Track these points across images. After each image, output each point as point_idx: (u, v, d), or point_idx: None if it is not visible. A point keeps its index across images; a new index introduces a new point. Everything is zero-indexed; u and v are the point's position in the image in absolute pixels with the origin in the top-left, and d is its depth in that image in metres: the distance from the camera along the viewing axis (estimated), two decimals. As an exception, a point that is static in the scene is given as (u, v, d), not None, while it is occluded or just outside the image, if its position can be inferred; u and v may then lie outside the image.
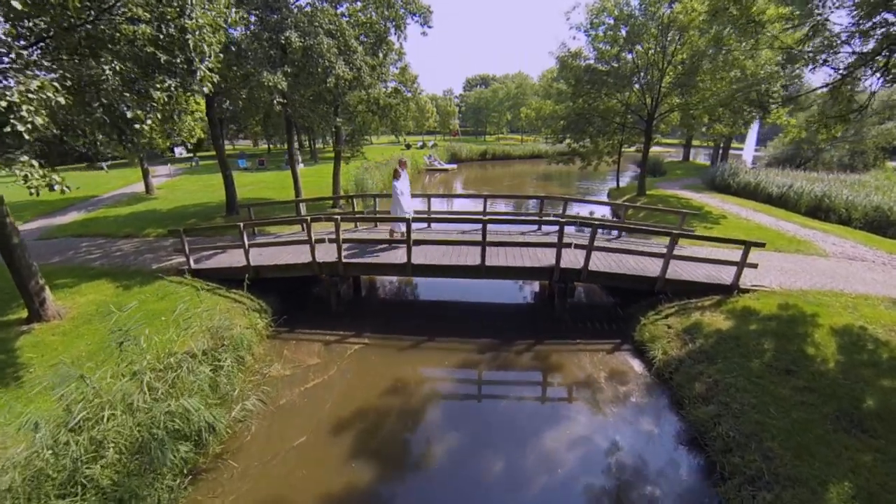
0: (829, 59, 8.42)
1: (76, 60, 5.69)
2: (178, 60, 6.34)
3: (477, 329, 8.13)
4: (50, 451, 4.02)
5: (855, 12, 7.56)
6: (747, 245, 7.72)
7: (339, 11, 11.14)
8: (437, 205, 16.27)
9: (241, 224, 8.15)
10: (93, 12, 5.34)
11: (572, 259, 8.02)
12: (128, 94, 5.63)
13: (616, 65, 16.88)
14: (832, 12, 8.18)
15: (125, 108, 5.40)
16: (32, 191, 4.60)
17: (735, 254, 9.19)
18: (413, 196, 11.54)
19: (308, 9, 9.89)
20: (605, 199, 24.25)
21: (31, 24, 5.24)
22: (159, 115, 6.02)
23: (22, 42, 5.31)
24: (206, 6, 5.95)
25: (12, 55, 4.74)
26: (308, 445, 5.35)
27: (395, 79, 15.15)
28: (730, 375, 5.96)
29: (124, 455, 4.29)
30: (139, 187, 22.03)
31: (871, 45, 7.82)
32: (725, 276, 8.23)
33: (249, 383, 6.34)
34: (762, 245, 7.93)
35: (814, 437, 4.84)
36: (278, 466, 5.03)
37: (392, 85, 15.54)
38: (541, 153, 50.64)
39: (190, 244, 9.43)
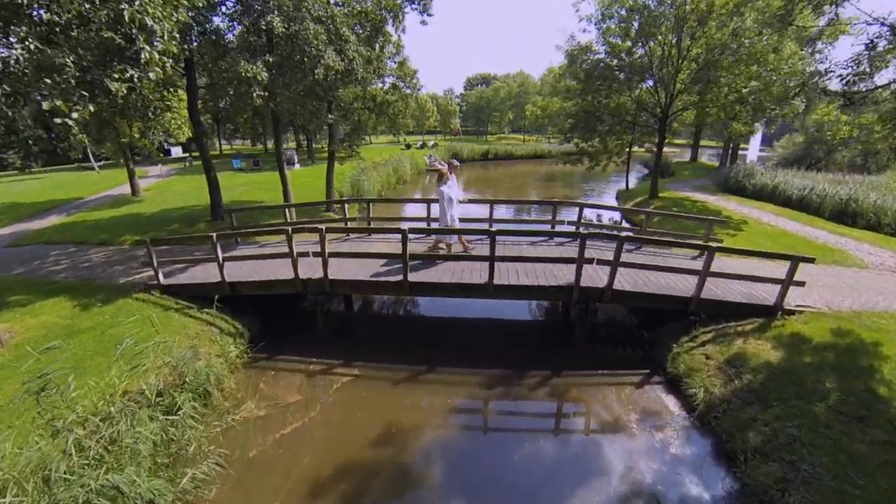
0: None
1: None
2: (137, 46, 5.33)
3: (483, 356, 7.10)
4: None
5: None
6: (795, 260, 6.69)
7: (331, -1, 10.16)
8: (437, 211, 15.35)
9: (214, 235, 7.13)
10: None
11: (593, 276, 7.00)
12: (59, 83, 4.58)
13: (628, 59, 15.83)
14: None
15: (39, 98, 4.36)
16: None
17: (774, 267, 8.19)
18: (413, 201, 10.50)
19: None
20: (612, 200, 23.28)
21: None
22: (92, 108, 4.95)
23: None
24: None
25: None
26: (279, 515, 4.35)
27: (393, 73, 14.11)
28: (791, 424, 4.94)
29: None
30: (127, 189, 21.05)
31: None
32: (766, 294, 7.21)
33: (214, 430, 5.31)
34: (811, 260, 6.89)
35: (916, 517, 3.82)
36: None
37: (390, 80, 14.51)
38: (544, 153, 49.64)
39: (161, 255, 8.43)
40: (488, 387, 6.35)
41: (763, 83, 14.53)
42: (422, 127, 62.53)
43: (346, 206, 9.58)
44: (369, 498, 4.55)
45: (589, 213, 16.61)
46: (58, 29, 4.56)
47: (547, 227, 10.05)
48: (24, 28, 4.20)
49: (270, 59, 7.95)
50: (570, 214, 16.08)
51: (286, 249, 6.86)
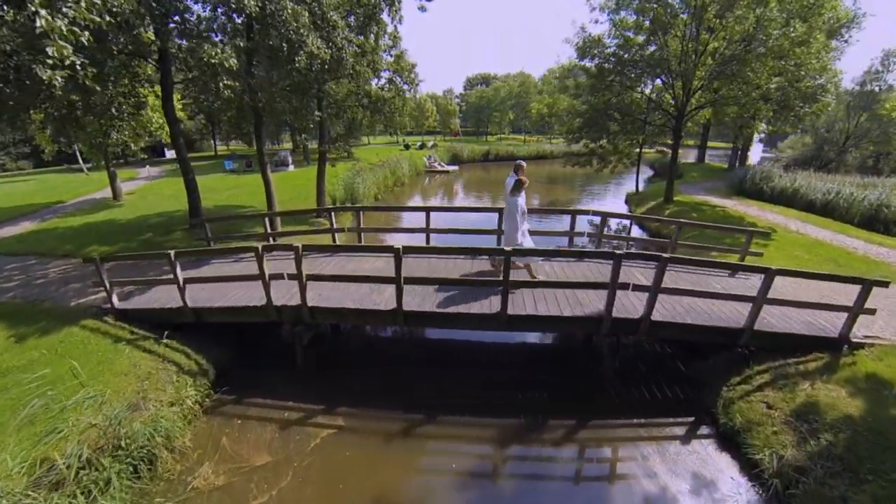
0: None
1: None
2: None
3: (494, 399, 5.95)
4: None
5: None
6: (867, 284, 5.57)
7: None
8: (438, 220, 13.85)
9: (172, 253, 5.97)
10: None
11: (626, 305, 5.85)
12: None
13: (643, 53, 14.71)
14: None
15: None
16: None
17: (825, 289, 7.05)
18: (411, 209, 9.36)
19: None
20: (621, 204, 22.12)
21: None
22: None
23: None
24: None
25: None
26: None
27: (389, 68, 12.95)
28: (898, 509, 3.80)
29: None
30: (109, 192, 19.89)
31: None
32: (826, 323, 6.07)
33: (153, 512, 4.16)
34: (885, 284, 5.75)
35: None
36: None
37: (386, 75, 13.36)
38: (546, 154, 48.57)
39: (117, 273, 7.29)
40: (500, 443, 5.19)
41: (788, 78, 13.45)
42: (421, 127, 61.37)
43: (334, 214, 8.38)
44: None
45: (591, 219, 15.40)
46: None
47: (563, 240, 8.93)
48: None
49: (241, 44, 6.80)
50: (582, 226, 14.95)
51: (256, 272, 5.70)
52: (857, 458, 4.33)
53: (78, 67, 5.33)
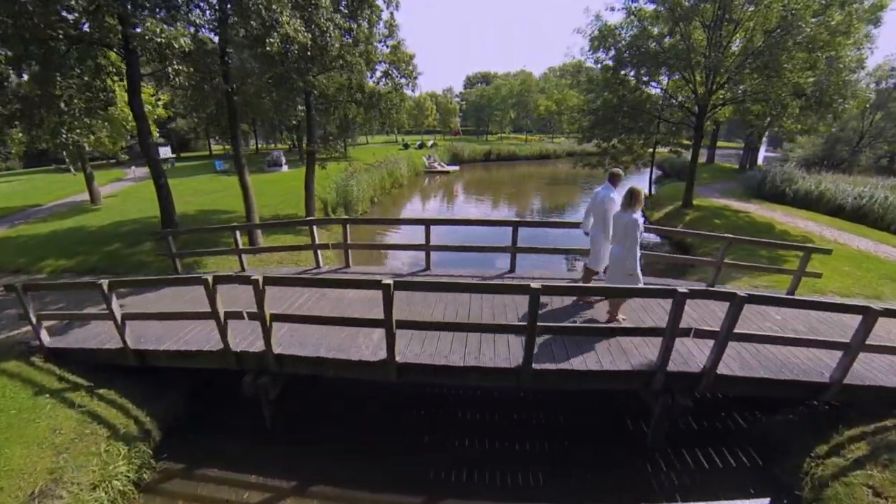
0: None
1: None
2: None
3: (508, 476, 4.65)
4: None
5: None
6: None
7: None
8: (439, 235, 11.92)
9: (105, 284, 4.71)
10: None
11: (684, 354, 4.58)
12: None
13: (661, 44, 13.45)
14: None
15: None
16: None
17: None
18: (408, 222, 8.08)
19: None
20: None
21: None
22: None
23: None
24: None
25: None
26: None
27: (385, 59, 11.69)
28: None
29: None
30: (98, 193, 18.65)
31: None
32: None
33: None
34: None
35: None
36: None
37: (382, 68, 12.09)
38: (548, 153, 47.33)
39: (52, 303, 6.04)
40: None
41: (823, 71, 12.18)
42: (420, 126, 60.09)
43: (317, 229, 7.10)
44: None
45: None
46: None
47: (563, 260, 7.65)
48: None
49: (199, 21, 5.56)
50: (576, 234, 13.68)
51: (210, 307, 4.44)
52: None
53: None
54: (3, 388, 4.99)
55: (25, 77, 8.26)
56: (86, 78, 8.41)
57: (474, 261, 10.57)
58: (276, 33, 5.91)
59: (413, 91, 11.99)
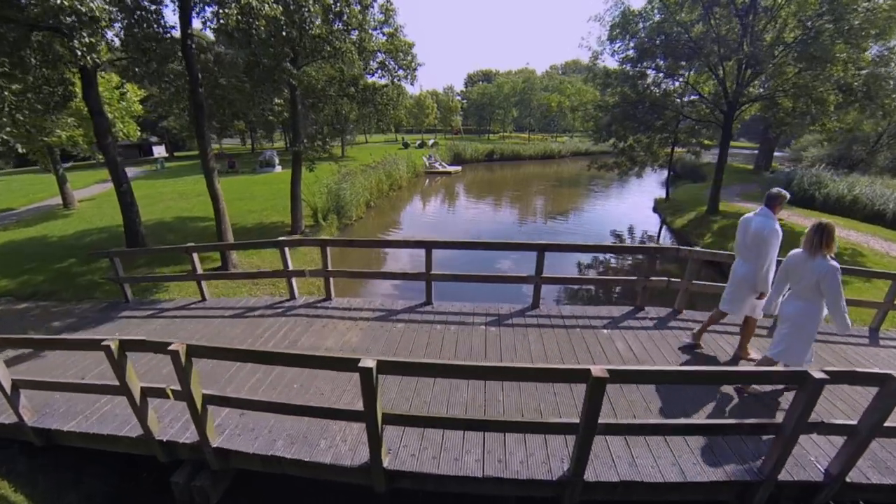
0: None
1: None
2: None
3: None
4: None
5: None
6: None
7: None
8: (443, 260, 10.70)
9: (-22, 344, 3.33)
10: None
11: (797, 457, 3.18)
12: None
13: (691, 32, 12.08)
14: None
15: None
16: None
17: None
18: (405, 245, 6.53)
19: None
20: (650, 213, 19.53)
21: None
22: None
23: None
24: None
25: None
26: None
27: (381, 48, 10.31)
28: None
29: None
30: (72, 197, 17.33)
31: None
32: None
33: None
34: None
35: None
36: None
37: (378, 59, 10.71)
38: (552, 153, 45.95)
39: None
40: None
41: (875, 64, 10.84)
42: (421, 125, 58.66)
43: (287, 251, 5.70)
44: None
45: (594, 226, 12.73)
46: None
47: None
48: None
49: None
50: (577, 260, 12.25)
51: (118, 380, 3.06)
52: None
53: None
54: None
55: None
56: (45, 70, 7.09)
57: (486, 287, 8.91)
58: (234, 4, 4.54)
59: (412, 84, 10.62)
